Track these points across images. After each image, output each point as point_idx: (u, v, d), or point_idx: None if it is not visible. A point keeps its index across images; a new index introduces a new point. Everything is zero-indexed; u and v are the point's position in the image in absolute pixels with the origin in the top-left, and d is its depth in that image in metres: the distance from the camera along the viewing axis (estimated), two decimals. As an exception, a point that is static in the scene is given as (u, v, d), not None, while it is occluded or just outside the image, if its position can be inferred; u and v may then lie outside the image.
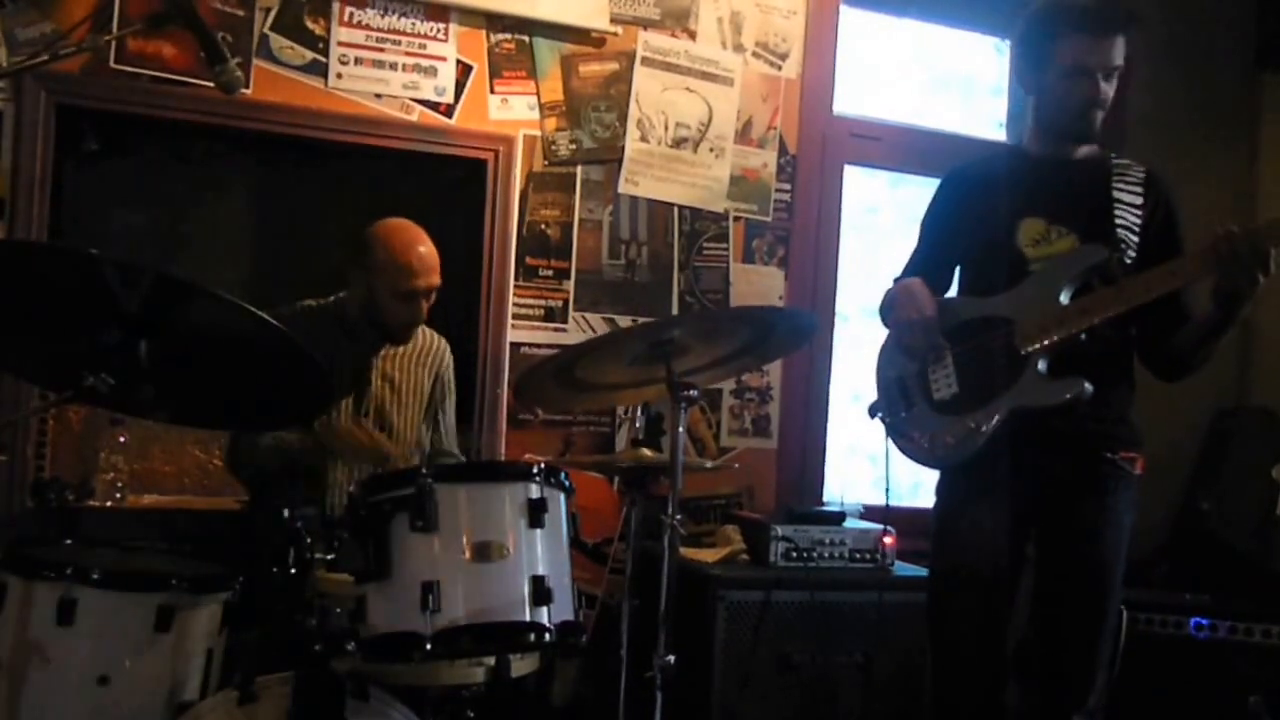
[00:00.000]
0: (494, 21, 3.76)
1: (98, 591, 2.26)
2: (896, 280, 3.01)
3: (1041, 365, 2.70)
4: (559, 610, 2.29)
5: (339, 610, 2.30)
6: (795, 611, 3.39)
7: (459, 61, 3.72)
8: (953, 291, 3.03)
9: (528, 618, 2.25)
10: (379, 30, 3.63)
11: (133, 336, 2.18)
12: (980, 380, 2.77)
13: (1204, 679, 3.70)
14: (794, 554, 3.50)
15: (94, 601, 2.25)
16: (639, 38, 3.92)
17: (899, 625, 3.39)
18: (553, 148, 3.83)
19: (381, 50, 3.63)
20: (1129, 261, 2.74)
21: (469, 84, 3.73)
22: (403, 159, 3.72)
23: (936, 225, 3.04)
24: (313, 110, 3.56)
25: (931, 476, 3.01)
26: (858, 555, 3.58)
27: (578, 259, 3.87)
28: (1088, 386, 2.63)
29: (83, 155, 3.64)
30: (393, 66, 3.64)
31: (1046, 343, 2.69)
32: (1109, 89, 2.77)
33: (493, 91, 3.76)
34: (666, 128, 3.95)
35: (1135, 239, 2.76)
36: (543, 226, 3.83)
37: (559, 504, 2.39)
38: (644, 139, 3.93)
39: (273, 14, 3.54)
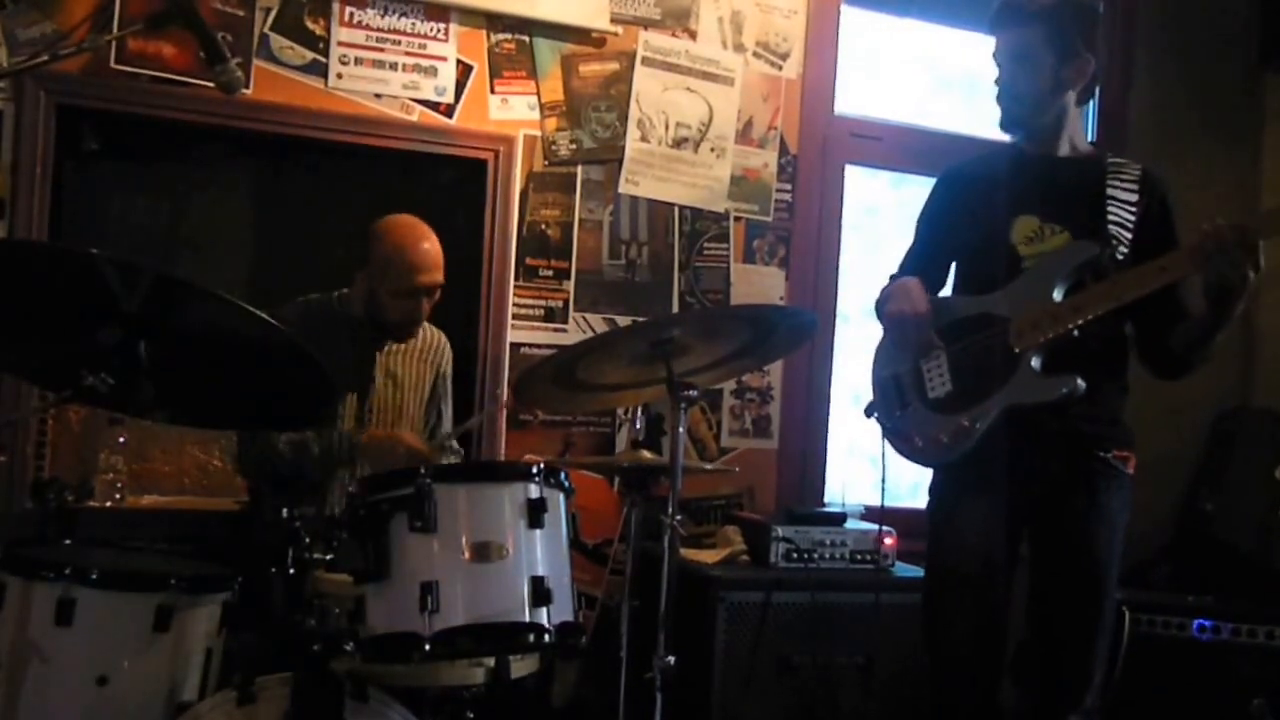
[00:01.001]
0: (494, 21, 3.75)
1: (97, 592, 2.26)
2: (892, 278, 3.01)
3: (1035, 362, 2.70)
4: (558, 611, 2.28)
5: (338, 611, 2.31)
6: (796, 612, 3.39)
7: (459, 61, 3.72)
8: (948, 289, 3.03)
9: (527, 618, 2.25)
10: (379, 30, 3.63)
11: (132, 336, 2.18)
12: (974, 378, 2.78)
13: (1207, 681, 3.69)
14: (794, 555, 3.50)
15: (93, 602, 2.25)
16: (639, 38, 3.91)
17: (899, 626, 3.38)
18: (553, 148, 3.83)
19: (381, 50, 3.63)
20: (1121, 258, 2.74)
21: (469, 84, 3.73)
22: (403, 159, 3.71)
23: (932, 223, 3.05)
24: (313, 110, 3.56)
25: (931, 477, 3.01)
26: (858, 556, 3.57)
27: (578, 259, 3.87)
28: (1080, 383, 2.62)
29: (83, 155, 3.63)
30: (393, 66, 3.64)
31: (1039, 339, 2.69)
32: (1014, 76, 2.84)
33: (493, 91, 3.76)
34: (667, 128, 3.95)
35: (1128, 235, 2.77)
36: (543, 226, 3.83)
37: (559, 504, 2.39)
38: (644, 139, 3.92)
39: (273, 14, 3.54)
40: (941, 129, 4.43)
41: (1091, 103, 3.99)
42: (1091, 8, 2.94)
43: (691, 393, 2.59)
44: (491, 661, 2.55)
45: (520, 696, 2.87)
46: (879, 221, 4.48)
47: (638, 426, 3.59)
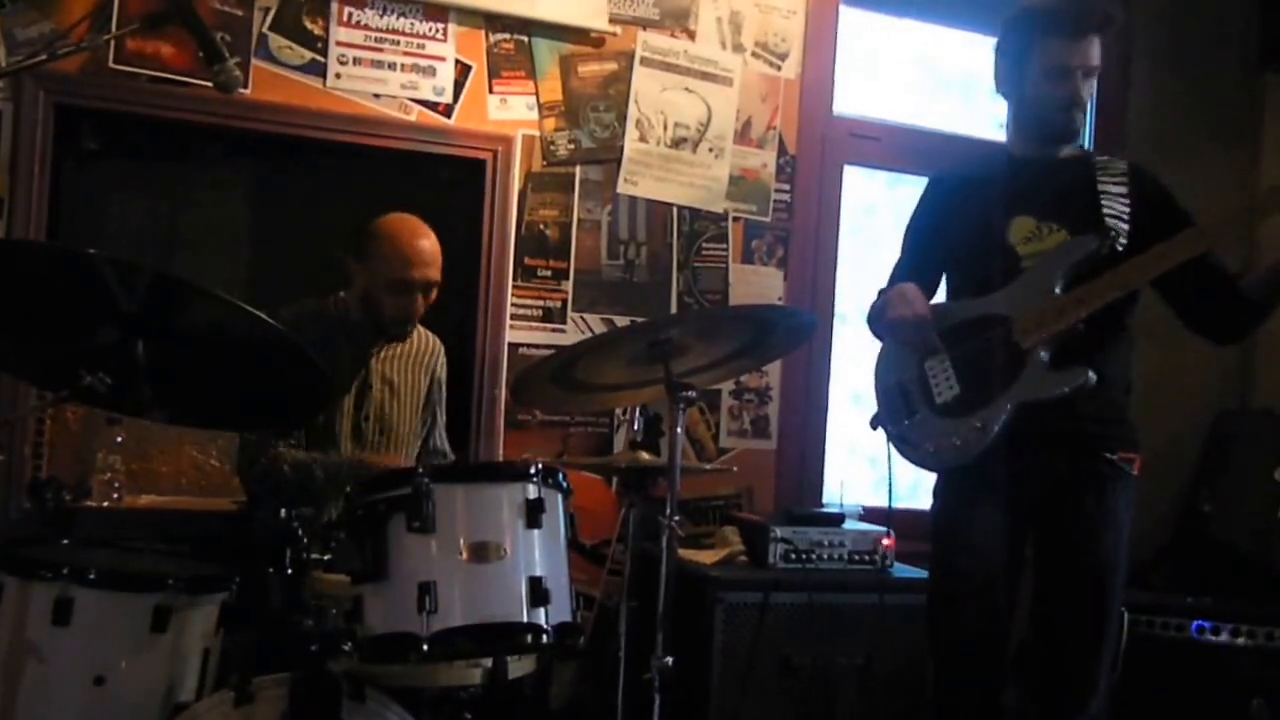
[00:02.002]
0: (493, 21, 3.75)
1: (94, 591, 2.26)
2: (882, 292, 3.02)
3: (1043, 358, 2.70)
4: (556, 611, 2.27)
5: (335, 611, 2.30)
6: (794, 613, 3.38)
7: (458, 61, 3.71)
8: (940, 297, 3.02)
9: (525, 619, 2.24)
10: (378, 30, 3.62)
11: (130, 336, 2.18)
12: (982, 379, 2.77)
13: (1206, 682, 3.69)
14: (793, 555, 3.49)
15: (90, 601, 2.25)
16: (638, 38, 3.91)
17: (898, 627, 3.38)
18: (551, 148, 3.83)
19: (380, 50, 3.62)
20: (1120, 249, 2.74)
21: (468, 84, 3.73)
22: (401, 159, 3.71)
23: (923, 232, 3.04)
24: (311, 110, 3.56)
25: (930, 478, 3.01)
26: (857, 557, 3.56)
27: (576, 259, 3.87)
28: (1092, 375, 2.63)
29: (81, 155, 3.63)
30: (391, 66, 3.64)
31: (1045, 334, 2.69)
32: (1086, 89, 2.81)
33: (491, 91, 3.76)
34: (665, 128, 3.94)
35: (1125, 227, 2.77)
36: (541, 227, 3.83)
37: (557, 504, 2.38)
38: (643, 139, 3.92)
39: (271, 14, 3.53)
40: (940, 129, 4.43)
41: (1090, 103, 3.99)
42: None
43: (690, 393, 2.59)
44: (489, 662, 2.55)
45: (518, 697, 2.87)
46: (877, 222, 4.47)
47: (636, 427, 3.59)
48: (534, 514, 2.29)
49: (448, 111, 3.71)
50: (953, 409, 2.82)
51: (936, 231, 3.00)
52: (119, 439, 3.55)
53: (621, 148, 3.90)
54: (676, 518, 2.58)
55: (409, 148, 3.68)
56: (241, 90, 3.35)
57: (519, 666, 2.67)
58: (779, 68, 4.10)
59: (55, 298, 2.19)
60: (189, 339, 2.23)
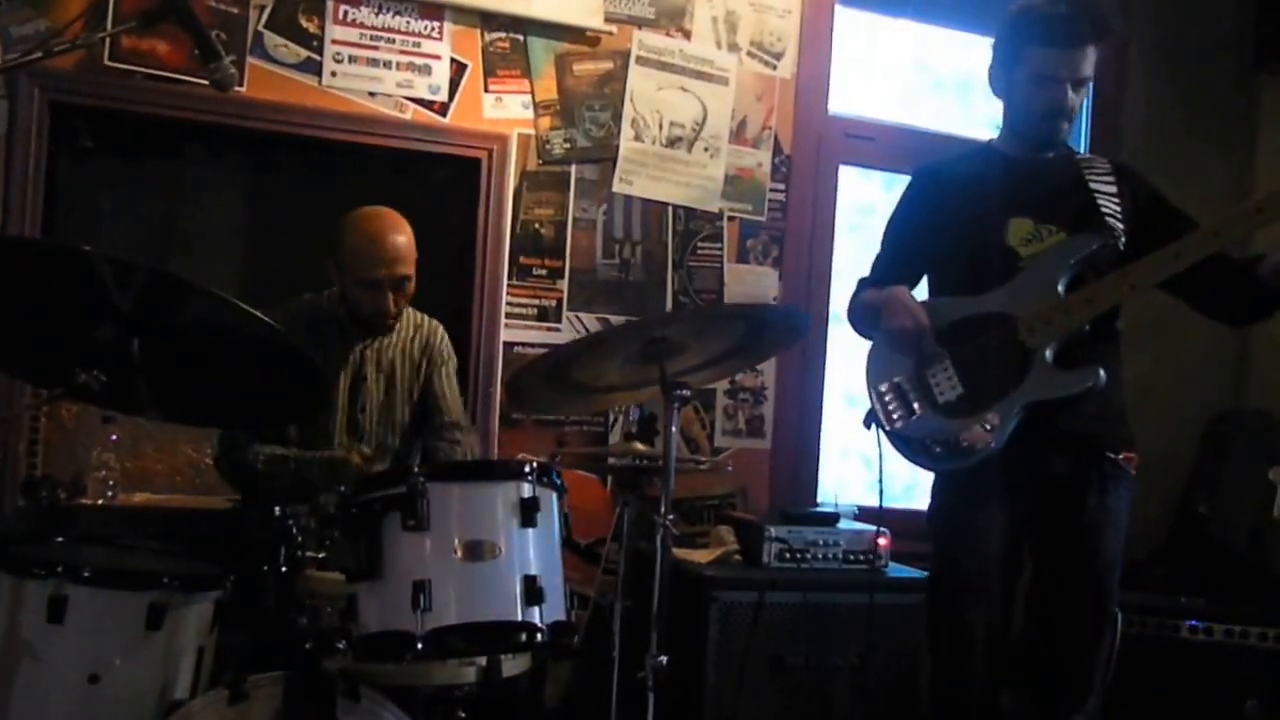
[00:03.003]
0: (488, 20, 3.75)
1: (88, 590, 2.25)
2: (862, 283, 3.01)
3: (1049, 357, 2.70)
4: (551, 610, 2.27)
5: (330, 609, 2.30)
6: (788, 613, 3.38)
7: (453, 60, 3.72)
8: (920, 292, 3.00)
9: (519, 617, 2.24)
10: (373, 28, 3.62)
11: (125, 333, 2.18)
12: (986, 378, 2.76)
13: (1200, 682, 3.69)
14: (787, 555, 3.49)
15: (85, 600, 2.24)
16: (634, 37, 3.91)
17: (893, 627, 3.39)
18: (547, 146, 3.83)
19: (376, 48, 3.63)
20: (1121, 248, 2.75)
21: (463, 82, 3.73)
22: (397, 157, 3.71)
23: (907, 228, 3.03)
24: (307, 108, 3.56)
25: (925, 478, 3.00)
26: (851, 557, 3.56)
27: (571, 258, 3.87)
28: (1102, 375, 2.64)
29: (76, 152, 3.63)
30: (387, 65, 3.64)
31: (1053, 334, 2.68)
32: (1076, 98, 2.80)
33: (487, 90, 3.76)
34: (661, 127, 3.95)
35: (1122, 225, 2.78)
36: (536, 225, 3.83)
37: (551, 503, 2.38)
38: (638, 138, 3.92)
39: (267, 12, 3.53)
40: (935, 129, 4.44)
41: (1086, 104, 4.00)
42: None
43: (685, 392, 2.59)
44: (484, 661, 2.54)
45: (512, 696, 2.87)
46: (872, 222, 4.47)
47: (631, 418, 3.60)
48: (528, 513, 2.29)
49: (443, 110, 3.71)
50: (956, 409, 2.80)
51: (922, 228, 2.98)
52: (114, 437, 3.55)
53: (617, 147, 3.90)
54: (671, 517, 2.58)
55: (404, 146, 3.68)
56: (237, 88, 3.36)
57: (513, 665, 2.66)
58: (774, 67, 4.10)
59: (50, 295, 2.19)
60: (184, 336, 2.23)
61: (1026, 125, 2.86)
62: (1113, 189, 2.82)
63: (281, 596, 2.33)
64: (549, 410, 3.75)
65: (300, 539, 2.33)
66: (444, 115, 3.71)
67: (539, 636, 2.26)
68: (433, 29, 3.69)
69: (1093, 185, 2.82)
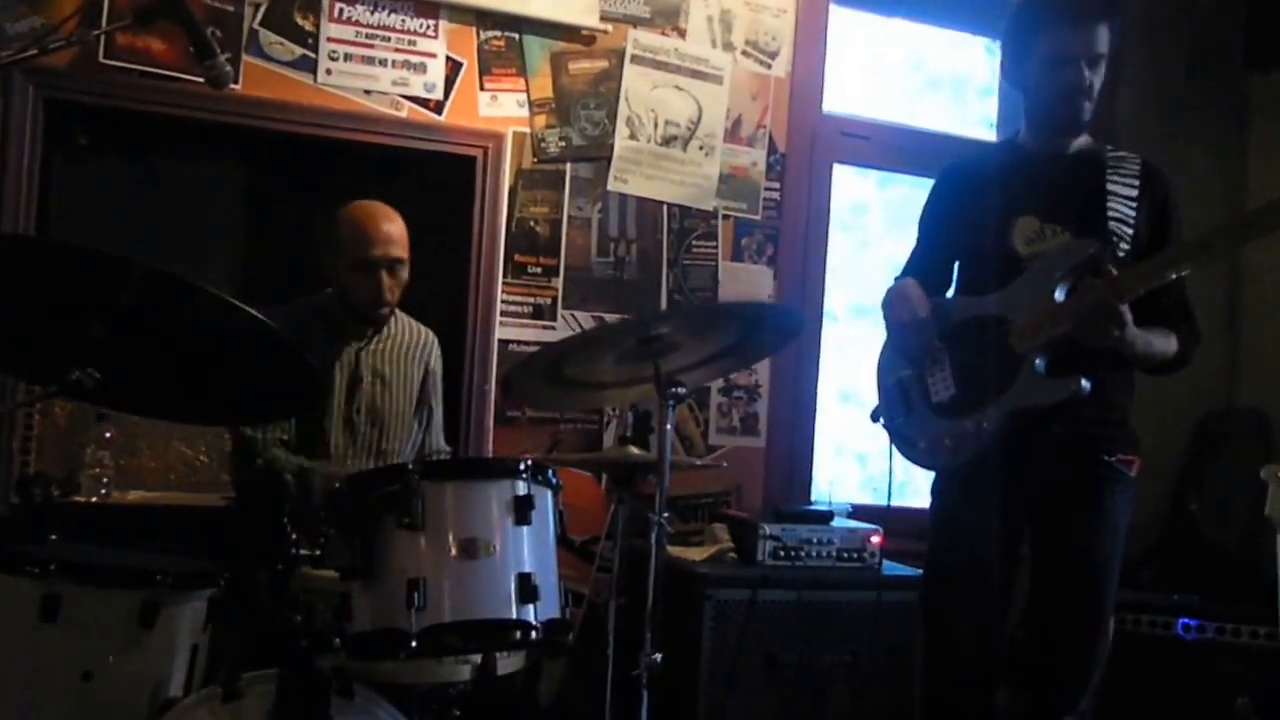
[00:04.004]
0: (484, 18, 3.76)
1: (82, 588, 2.25)
2: (897, 279, 3.00)
3: (1039, 364, 2.68)
4: (545, 608, 2.27)
5: (324, 607, 2.29)
6: (783, 611, 3.39)
7: (449, 58, 3.72)
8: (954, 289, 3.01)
9: (514, 615, 2.23)
10: (368, 26, 3.63)
11: (120, 331, 2.18)
12: (977, 382, 2.76)
13: (1191, 680, 3.70)
14: (782, 553, 3.50)
15: (78, 597, 2.24)
16: (629, 36, 3.92)
17: (887, 625, 3.40)
18: (542, 145, 3.83)
19: (371, 46, 3.63)
20: (1121, 255, 2.70)
21: (458, 81, 3.73)
22: (392, 155, 3.72)
23: (933, 223, 3.02)
24: (302, 106, 3.56)
25: (922, 476, 3.01)
26: (846, 555, 3.57)
27: (566, 256, 3.87)
28: (1085, 385, 2.60)
29: (71, 150, 3.63)
30: (382, 63, 3.64)
31: (1040, 341, 2.67)
32: (1094, 76, 2.76)
33: (482, 88, 3.76)
34: (656, 125, 3.95)
35: (1129, 231, 2.73)
36: (531, 224, 3.83)
37: (546, 501, 2.37)
38: (633, 137, 3.92)
39: (262, 9, 3.54)
40: (929, 128, 4.44)
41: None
42: None
43: (680, 390, 2.59)
44: (478, 659, 2.55)
45: (507, 694, 2.87)
46: (867, 220, 4.49)
47: (627, 421, 3.60)
48: (523, 510, 2.29)
49: (438, 108, 3.71)
50: (948, 410, 2.82)
51: (945, 226, 2.98)
52: (107, 435, 3.54)
53: (612, 145, 3.90)
54: (665, 515, 2.58)
55: (400, 144, 3.68)
56: (232, 86, 3.35)
57: (508, 663, 2.67)
58: (769, 66, 4.11)
59: (45, 293, 2.18)
60: (178, 334, 2.23)
61: (1048, 111, 2.81)
62: (1133, 192, 2.76)
63: (275, 594, 2.32)
64: (544, 407, 3.75)
65: (294, 537, 2.32)
66: (439, 113, 3.71)
67: (533, 634, 2.25)
68: (428, 27, 3.69)
69: (1110, 186, 2.76)
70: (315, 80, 3.58)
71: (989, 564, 2.79)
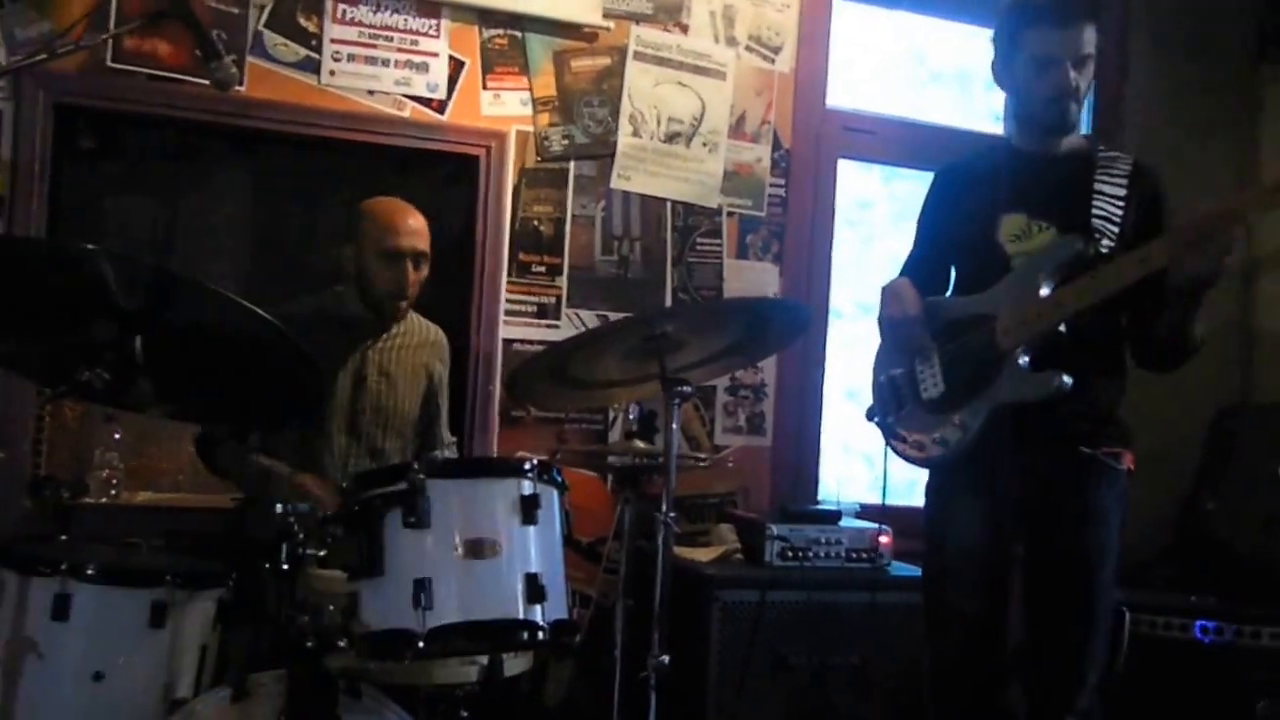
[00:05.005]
0: (486, 17, 3.75)
1: (92, 587, 2.27)
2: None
3: (1023, 360, 2.67)
4: (552, 608, 2.27)
5: (331, 608, 2.30)
6: (791, 612, 3.37)
7: (451, 57, 3.72)
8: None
9: (521, 616, 2.24)
10: (371, 27, 3.63)
11: (128, 332, 2.19)
12: (964, 378, 2.77)
13: (1210, 683, 3.59)
14: (789, 553, 3.47)
15: (89, 597, 2.26)
16: (631, 32, 3.91)
17: (895, 626, 3.38)
18: (545, 143, 3.83)
19: (374, 47, 3.63)
20: (1106, 251, 2.70)
21: (461, 80, 3.73)
22: (396, 155, 3.72)
23: (930, 223, 3.03)
24: (306, 107, 3.56)
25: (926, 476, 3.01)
26: (854, 555, 3.55)
27: (570, 255, 3.87)
28: (1066, 380, 2.59)
29: (80, 153, 3.65)
30: (385, 63, 3.64)
31: (1023, 337, 2.67)
32: (1080, 78, 2.75)
33: (485, 87, 3.76)
34: (659, 122, 3.94)
35: (1114, 229, 2.73)
36: (535, 222, 3.83)
37: (552, 500, 2.38)
38: (636, 134, 3.92)
39: (267, 11, 3.54)
40: (934, 123, 4.43)
41: (1088, 98, 3.98)
42: None
43: (686, 388, 2.58)
44: (485, 659, 2.55)
45: (514, 695, 2.88)
46: (872, 216, 4.48)
47: (631, 418, 3.60)
48: (529, 510, 2.29)
49: (441, 108, 3.71)
50: (937, 406, 2.82)
51: (940, 225, 2.99)
52: (117, 436, 3.56)
53: (615, 143, 3.90)
54: (672, 515, 2.58)
55: (403, 144, 3.69)
56: (237, 88, 3.36)
57: (515, 664, 2.66)
58: (773, 61, 4.10)
59: (54, 294, 2.19)
60: (186, 334, 2.24)
61: (1034, 112, 2.82)
62: (1121, 191, 2.76)
63: (283, 595, 2.33)
64: (549, 407, 3.75)
65: (301, 537, 2.33)
66: (442, 113, 3.71)
67: (540, 635, 2.26)
68: (430, 27, 3.69)
69: (1098, 185, 2.77)
70: (319, 81, 3.59)
71: (984, 563, 2.78)
